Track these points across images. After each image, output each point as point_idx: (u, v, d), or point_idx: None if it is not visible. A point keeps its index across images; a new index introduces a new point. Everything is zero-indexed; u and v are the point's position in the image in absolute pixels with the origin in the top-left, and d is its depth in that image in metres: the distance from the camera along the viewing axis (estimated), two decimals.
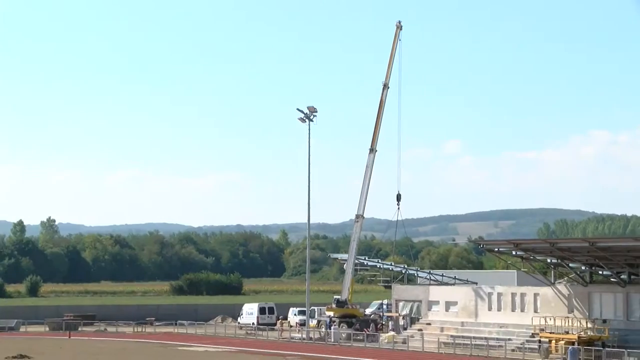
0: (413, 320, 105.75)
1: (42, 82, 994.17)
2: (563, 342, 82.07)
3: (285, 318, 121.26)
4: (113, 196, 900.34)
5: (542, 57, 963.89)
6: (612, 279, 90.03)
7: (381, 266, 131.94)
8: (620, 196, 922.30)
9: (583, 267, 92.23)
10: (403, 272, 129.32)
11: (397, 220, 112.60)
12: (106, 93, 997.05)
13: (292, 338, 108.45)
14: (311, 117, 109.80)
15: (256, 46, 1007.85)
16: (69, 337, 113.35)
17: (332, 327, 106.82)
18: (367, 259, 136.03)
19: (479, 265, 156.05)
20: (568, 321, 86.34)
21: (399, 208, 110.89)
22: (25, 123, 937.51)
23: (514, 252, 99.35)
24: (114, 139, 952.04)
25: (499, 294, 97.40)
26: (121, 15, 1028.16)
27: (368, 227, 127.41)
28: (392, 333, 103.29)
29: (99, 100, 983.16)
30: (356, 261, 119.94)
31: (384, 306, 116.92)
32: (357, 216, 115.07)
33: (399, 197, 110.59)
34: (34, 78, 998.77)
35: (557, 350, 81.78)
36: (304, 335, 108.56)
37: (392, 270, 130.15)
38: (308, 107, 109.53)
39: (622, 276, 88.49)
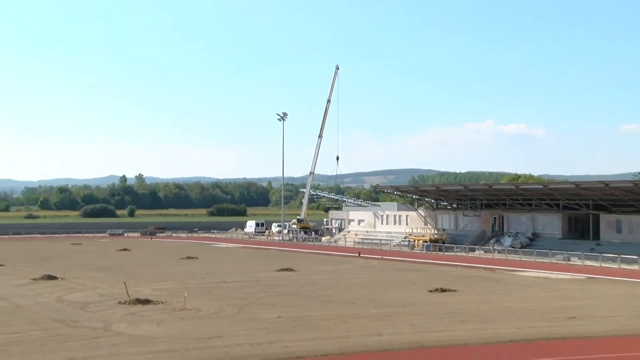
0: (340, 230, 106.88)
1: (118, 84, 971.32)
2: (421, 241, 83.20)
3: (270, 228, 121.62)
4: (177, 161, 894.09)
5: (413, 76, 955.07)
6: (447, 207, 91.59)
7: (327, 195, 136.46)
8: (452, 160, 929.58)
9: (432, 200, 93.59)
10: (339, 199, 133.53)
11: (337, 173, 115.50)
12: (164, 99, 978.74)
13: (274, 240, 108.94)
14: (284, 118, 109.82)
15: (263, 69, 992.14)
16: (151, 239, 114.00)
17: (296, 234, 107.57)
18: (320, 192, 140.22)
19: (377, 200, 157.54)
20: (424, 230, 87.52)
21: (337, 164, 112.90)
22: (121, 111, 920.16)
23: (395, 192, 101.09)
24: (183, 126, 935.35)
25: (387, 215, 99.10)
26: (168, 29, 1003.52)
27: (316, 179, 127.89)
28: (328, 237, 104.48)
29: (161, 102, 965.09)
30: (312, 192, 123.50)
31: (324, 222, 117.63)
32: (310, 172, 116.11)
33: (337, 158, 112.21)
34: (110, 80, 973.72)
35: (418, 246, 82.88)
36: (280, 238, 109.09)
37: (334, 198, 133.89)
38: (283, 112, 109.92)
39: (454, 205, 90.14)
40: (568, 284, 48.14)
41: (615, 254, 62.44)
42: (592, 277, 52.24)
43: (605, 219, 71.49)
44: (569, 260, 65.13)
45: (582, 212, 74.21)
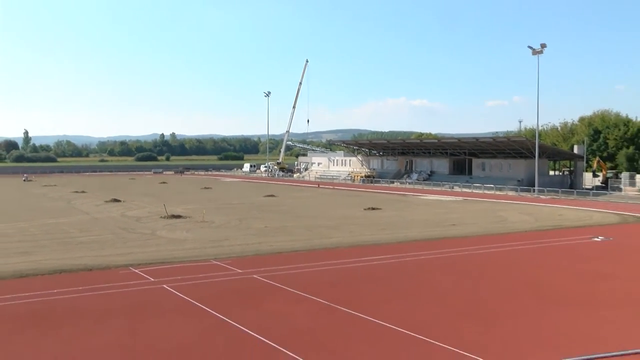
0: (306, 169, 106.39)
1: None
2: (359, 176, 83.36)
3: (259, 168, 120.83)
4: (198, 123, 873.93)
5: (354, 67, 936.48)
6: (376, 154, 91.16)
7: (298, 146, 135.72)
8: (380, 123, 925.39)
9: (367, 150, 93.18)
10: (306, 148, 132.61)
11: (307, 131, 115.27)
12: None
13: (262, 176, 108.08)
14: (269, 95, 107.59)
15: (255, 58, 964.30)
16: (181, 175, 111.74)
17: (276, 172, 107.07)
18: (294, 144, 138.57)
19: (330, 149, 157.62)
20: (361, 169, 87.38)
21: (308, 125, 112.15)
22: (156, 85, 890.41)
23: (342, 145, 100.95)
24: (202, 99, 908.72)
25: (337, 159, 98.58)
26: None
27: (290, 135, 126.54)
28: (298, 174, 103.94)
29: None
30: (288, 144, 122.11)
31: (295, 164, 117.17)
32: (286, 131, 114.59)
33: (308, 121, 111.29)
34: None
35: (357, 180, 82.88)
36: (266, 175, 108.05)
37: (302, 147, 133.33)
38: (268, 91, 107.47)
39: (380, 153, 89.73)
40: (451, 203, 49.09)
41: (481, 184, 63.76)
42: (466, 199, 53.37)
43: (476, 162, 72.56)
44: (452, 188, 66.28)
45: (462, 157, 75.16)
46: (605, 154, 74.70)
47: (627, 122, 79.11)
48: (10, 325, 14.14)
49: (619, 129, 76.98)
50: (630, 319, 14.76)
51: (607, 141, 76.91)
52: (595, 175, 65.99)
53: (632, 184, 60.36)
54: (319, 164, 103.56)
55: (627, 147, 73.62)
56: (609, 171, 65.46)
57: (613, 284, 18.61)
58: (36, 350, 12.43)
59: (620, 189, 59.62)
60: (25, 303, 16.11)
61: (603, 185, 62.52)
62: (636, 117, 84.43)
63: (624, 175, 62.74)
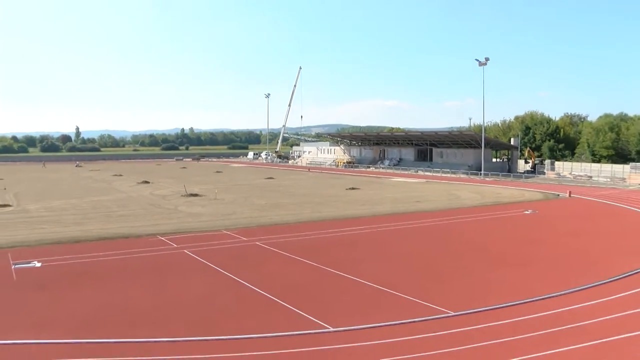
0: (299, 156, 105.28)
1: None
2: (342, 162, 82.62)
3: (261, 156, 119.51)
4: (211, 119, 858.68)
5: (337, 73, 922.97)
6: (356, 144, 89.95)
7: (292, 136, 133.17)
8: (359, 119, 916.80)
9: (348, 140, 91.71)
10: (299, 138, 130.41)
11: (301, 125, 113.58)
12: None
13: (263, 162, 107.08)
14: (268, 96, 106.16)
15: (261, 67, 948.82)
16: (198, 162, 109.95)
17: (275, 159, 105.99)
18: (290, 135, 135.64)
19: (319, 140, 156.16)
20: (344, 156, 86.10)
21: (302, 120, 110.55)
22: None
23: (328, 136, 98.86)
24: (214, 101, 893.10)
25: (324, 148, 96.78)
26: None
27: (286, 129, 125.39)
28: (292, 160, 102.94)
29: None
30: (286, 135, 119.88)
31: (290, 152, 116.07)
32: (283, 125, 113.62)
33: (302, 117, 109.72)
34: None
35: (340, 165, 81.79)
36: (266, 161, 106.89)
37: (296, 138, 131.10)
38: (267, 93, 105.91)
39: (359, 143, 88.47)
40: (416, 184, 49.08)
41: (439, 169, 63.86)
42: (428, 181, 53.37)
43: (435, 151, 72.23)
44: (417, 172, 66.16)
45: (424, 147, 74.82)
46: (534, 145, 76.01)
47: (549, 121, 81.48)
48: (70, 278, 14.65)
49: (543, 126, 78.88)
50: (551, 272, 15.05)
51: (535, 135, 78.46)
52: (526, 162, 66.88)
53: (553, 169, 61.59)
54: (309, 152, 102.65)
55: (549, 140, 75.64)
56: (536, 159, 66.47)
57: (539, 247, 18.93)
58: (90, 297, 12.89)
59: (544, 173, 60.56)
60: (80, 262, 16.53)
61: (532, 170, 63.40)
62: (555, 117, 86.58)
63: (547, 162, 64.11)
